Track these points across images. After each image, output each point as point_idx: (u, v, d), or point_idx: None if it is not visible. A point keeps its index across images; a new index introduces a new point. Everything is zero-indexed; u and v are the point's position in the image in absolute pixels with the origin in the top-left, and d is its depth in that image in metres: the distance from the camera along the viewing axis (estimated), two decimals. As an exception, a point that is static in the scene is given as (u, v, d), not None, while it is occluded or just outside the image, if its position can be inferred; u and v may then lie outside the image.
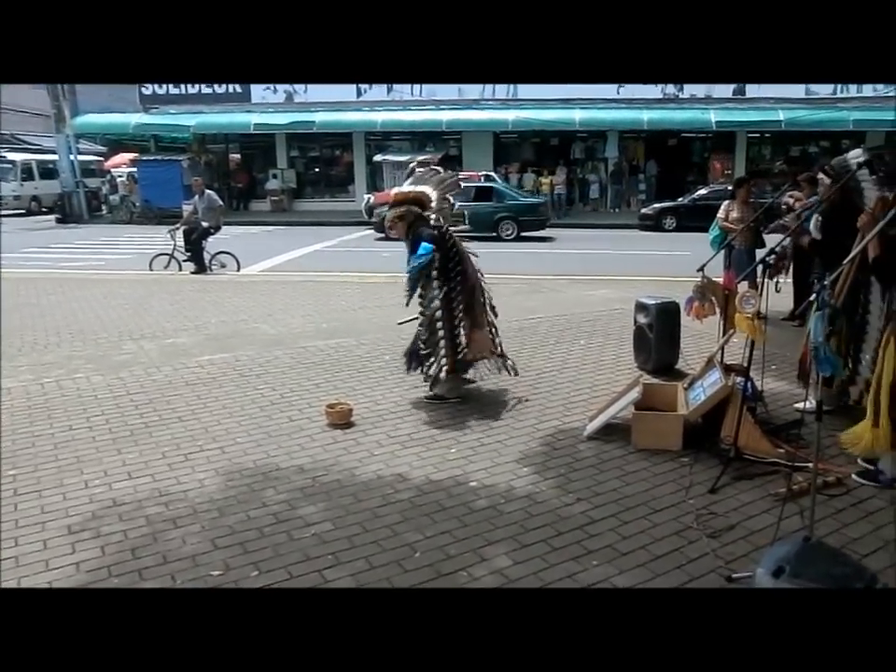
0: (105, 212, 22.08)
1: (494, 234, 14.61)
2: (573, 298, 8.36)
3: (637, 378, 4.34)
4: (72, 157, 21.25)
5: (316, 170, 24.41)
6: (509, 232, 14.55)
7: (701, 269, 4.29)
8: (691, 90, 21.31)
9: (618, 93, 20.79)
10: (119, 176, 21.82)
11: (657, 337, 5.12)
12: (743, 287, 4.28)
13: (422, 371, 4.63)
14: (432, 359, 4.48)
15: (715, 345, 4.48)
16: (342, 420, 4.31)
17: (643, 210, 18.17)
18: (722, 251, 5.18)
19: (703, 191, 17.51)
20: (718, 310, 4.27)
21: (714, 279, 4.47)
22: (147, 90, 23.83)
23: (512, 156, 23.33)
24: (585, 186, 22.12)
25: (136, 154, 22.43)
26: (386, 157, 21.74)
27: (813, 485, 2.38)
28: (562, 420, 4.38)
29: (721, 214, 6.88)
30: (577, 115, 21.11)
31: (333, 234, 16.95)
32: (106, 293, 8.97)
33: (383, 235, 15.46)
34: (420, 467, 3.77)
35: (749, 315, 3.17)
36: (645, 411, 3.91)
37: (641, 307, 5.33)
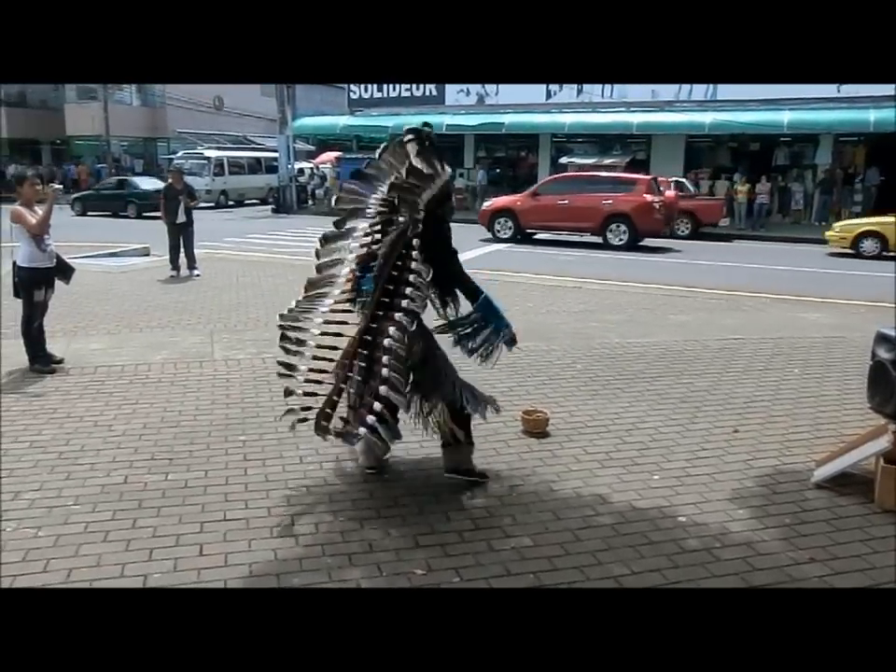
0: (310, 204, 24.05)
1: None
2: (779, 319, 7.58)
3: (884, 424, 3.74)
4: (290, 155, 23.22)
5: (498, 171, 24.67)
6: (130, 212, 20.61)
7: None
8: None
9: (838, 92, 18.57)
10: (316, 171, 24.36)
11: (903, 377, 4.39)
12: None
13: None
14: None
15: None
16: (537, 429, 4.19)
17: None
18: None
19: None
20: None
21: None
22: (355, 94, 25.95)
23: (705, 161, 21.93)
24: (787, 195, 20.11)
25: (340, 153, 24.47)
26: (572, 159, 21.39)
27: None
28: (781, 459, 3.92)
29: None
30: (785, 116, 19.30)
31: (512, 233, 16.91)
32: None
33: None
34: (621, 490, 3.54)
35: None
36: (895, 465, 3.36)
37: (884, 339, 4.56)
